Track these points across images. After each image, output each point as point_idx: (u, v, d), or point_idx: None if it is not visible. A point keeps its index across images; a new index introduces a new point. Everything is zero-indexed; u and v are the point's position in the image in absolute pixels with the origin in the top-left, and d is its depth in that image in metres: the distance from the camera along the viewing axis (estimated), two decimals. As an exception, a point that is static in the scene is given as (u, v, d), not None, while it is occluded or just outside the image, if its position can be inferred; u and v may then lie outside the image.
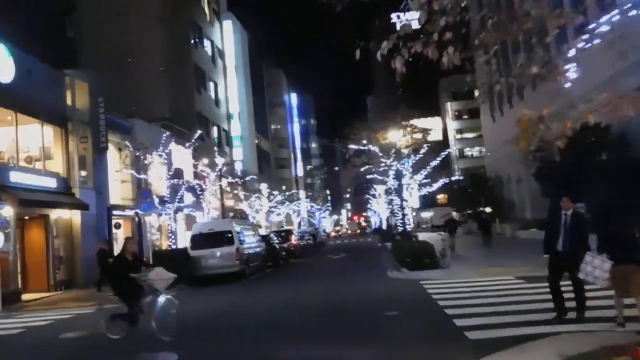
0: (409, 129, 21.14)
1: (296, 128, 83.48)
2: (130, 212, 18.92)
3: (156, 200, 16.42)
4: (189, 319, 8.33)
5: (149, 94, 28.00)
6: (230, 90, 39.69)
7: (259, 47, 56.28)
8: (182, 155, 23.68)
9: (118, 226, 18.69)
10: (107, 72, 25.97)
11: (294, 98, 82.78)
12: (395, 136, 19.70)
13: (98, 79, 19.02)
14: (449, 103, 72.70)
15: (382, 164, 20.30)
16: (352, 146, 21.78)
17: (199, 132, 21.55)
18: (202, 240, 16.32)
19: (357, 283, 12.63)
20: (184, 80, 30.95)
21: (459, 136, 72.68)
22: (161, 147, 18.04)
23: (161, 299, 7.12)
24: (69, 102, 17.32)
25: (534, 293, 8.67)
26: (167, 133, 19.00)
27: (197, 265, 15.87)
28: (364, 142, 21.03)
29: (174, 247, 18.76)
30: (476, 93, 57.59)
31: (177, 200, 18.91)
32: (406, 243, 17.47)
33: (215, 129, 35.98)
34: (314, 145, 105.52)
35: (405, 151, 20.26)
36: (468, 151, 72.18)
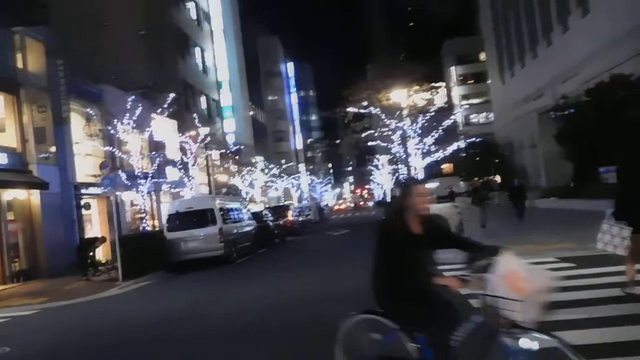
0: (415, 86, 18.53)
1: (294, 99, 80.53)
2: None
3: (123, 176, 14.19)
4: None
5: (129, 61, 25.51)
6: (218, 56, 36.85)
7: (251, 10, 52.83)
8: (165, 128, 21.41)
9: (88, 207, 16.55)
10: (82, 37, 23.64)
11: (290, 68, 79.45)
12: (400, 96, 17.21)
13: (58, 38, 16.52)
14: (453, 67, 69.33)
15: (386, 128, 17.90)
16: (351, 109, 19.27)
17: (172, 95, 19.04)
18: (180, 220, 14.42)
19: (359, 269, 10.46)
20: (165, 45, 28.33)
21: (464, 102, 69.61)
22: (127, 114, 15.67)
23: (523, 343, 2.53)
24: (20, 65, 14.89)
25: (599, 285, 6.11)
26: (133, 97, 16.55)
27: (175, 249, 13.97)
28: (365, 104, 18.55)
29: (148, 228, 16.70)
30: (482, 56, 54.54)
31: (151, 175, 16.68)
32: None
33: (203, 98, 33.45)
34: (314, 117, 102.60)
35: (412, 112, 17.78)
36: (474, 118, 69.38)
